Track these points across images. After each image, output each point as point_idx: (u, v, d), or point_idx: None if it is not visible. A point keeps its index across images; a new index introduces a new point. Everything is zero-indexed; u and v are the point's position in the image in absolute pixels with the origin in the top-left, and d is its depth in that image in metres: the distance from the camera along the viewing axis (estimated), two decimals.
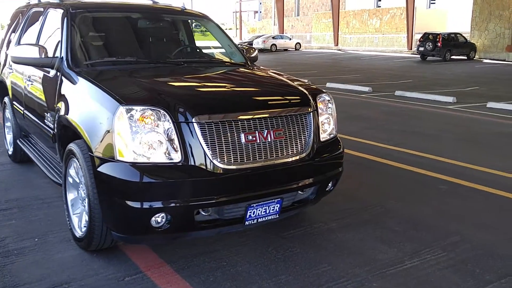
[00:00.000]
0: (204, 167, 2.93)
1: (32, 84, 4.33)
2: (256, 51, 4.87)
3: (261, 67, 4.38)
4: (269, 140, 3.16)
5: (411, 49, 33.75)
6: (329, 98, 3.75)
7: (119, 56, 3.94)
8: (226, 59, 4.58)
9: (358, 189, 4.86)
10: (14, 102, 4.99)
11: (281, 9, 43.08)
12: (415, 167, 5.66)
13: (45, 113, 3.90)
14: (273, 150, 3.17)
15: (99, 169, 2.95)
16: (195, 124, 2.93)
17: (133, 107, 2.89)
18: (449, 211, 4.33)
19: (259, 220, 3.22)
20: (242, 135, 3.05)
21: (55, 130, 3.63)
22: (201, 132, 2.93)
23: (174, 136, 2.90)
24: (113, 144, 2.88)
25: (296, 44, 40.68)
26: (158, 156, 2.88)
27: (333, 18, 40.31)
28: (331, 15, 41.11)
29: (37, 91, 4.19)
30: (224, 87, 3.66)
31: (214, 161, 2.94)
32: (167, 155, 2.89)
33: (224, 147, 2.98)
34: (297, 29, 51.31)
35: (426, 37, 26.74)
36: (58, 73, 3.70)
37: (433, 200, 4.60)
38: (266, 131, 3.14)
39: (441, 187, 5.00)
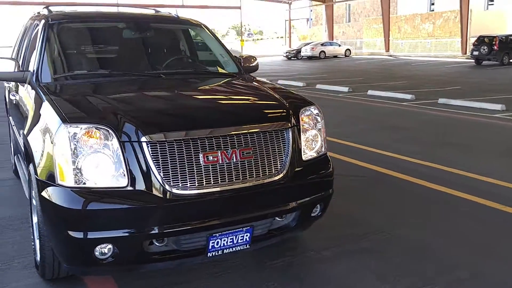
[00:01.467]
0: (153, 193, 2.60)
1: (14, 99, 4.19)
2: (257, 61, 4.49)
3: (255, 78, 4.01)
4: (235, 160, 2.78)
5: (466, 53, 32.16)
6: (316, 112, 3.32)
7: (93, 69, 3.70)
8: (215, 70, 4.24)
9: (368, 211, 4.37)
10: (10, 117, 4.90)
11: (331, 16, 42.43)
12: (439, 184, 5.08)
13: (20, 131, 3.72)
14: (240, 172, 2.79)
15: (42, 193, 2.68)
16: (144, 144, 2.60)
17: (77, 125, 2.61)
18: (465, 238, 3.76)
19: (225, 251, 2.85)
20: (201, 156, 2.69)
21: (22, 150, 3.43)
22: (152, 153, 2.60)
23: (121, 158, 2.59)
24: (54, 166, 2.61)
25: (346, 50, 39.82)
26: (102, 180, 2.58)
27: (383, 24, 39.19)
28: (382, 20, 39.97)
29: (16, 106, 4.04)
30: (191, 101, 3.33)
31: (165, 186, 2.60)
32: (112, 179, 2.58)
33: (178, 170, 2.64)
34: (348, 35, 50.35)
35: (481, 40, 25.25)
36: (29, 88, 3.50)
37: (450, 224, 4.04)
38: (231, 150, 2.77)
39: (463, 209, 4.41)
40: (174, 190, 2.61)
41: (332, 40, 42.15)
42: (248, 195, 2.83)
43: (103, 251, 2.59)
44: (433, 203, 4.57)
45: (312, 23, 61.24)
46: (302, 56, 38.77)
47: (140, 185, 2.59)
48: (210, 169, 2.71)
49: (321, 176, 3.24)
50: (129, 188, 2.58)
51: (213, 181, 2.71)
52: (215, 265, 3.30)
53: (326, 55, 38.36)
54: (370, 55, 40.48)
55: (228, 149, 2.76)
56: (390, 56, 37.58)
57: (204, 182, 2.69)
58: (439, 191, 4.90)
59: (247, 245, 2.91)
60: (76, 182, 2.56)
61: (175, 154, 2.64)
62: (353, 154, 6.51)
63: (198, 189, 2.67)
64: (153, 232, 2.61)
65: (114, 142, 2.59)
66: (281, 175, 2.93)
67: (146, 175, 2.59)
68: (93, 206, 2.54)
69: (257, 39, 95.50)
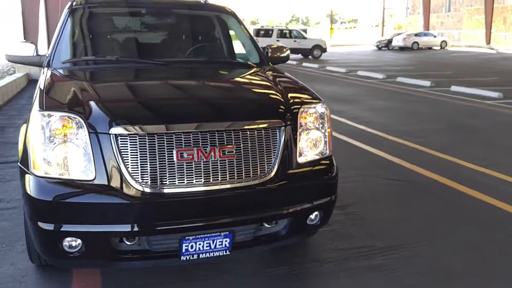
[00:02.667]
0: (119, 189, 2.45)
1: None
2: (288, 51, 4.20)
3: (275, 70, 3.71)
4: (214, 159, 2.55)
5: None
6: (322, 110, 2.99)
7: (102, 55, 3.63)
8: (232, 59, 4.01)
9: (397, 223, 3.93)
10: None
11: (428, 5, 40.09)
12: (501, 200, 4.45)
13: None
14: (219, 172, 2.56)
15: (21, 180, 2.65)
16: (112, 137, 2.46)
17: (51, 113, 2.53)
18: (498, 264, 3.24)
19: (201, 255, 2.64)
20: (175, 152, 2.49)
21: None
22: (120, 147, 2.45)
23: (90, 150, 2.47)
24: (29, 153, 2.56)
25: (441, 42, 37.48)
26: (70, 171, 2.48)
27: (485, 14, 36.28)
28: (484, 10, 37.01)
29: None
30: (177, 94, 3.13)
31: (132, 182, 2.45)
32: (80, 171, 2.48)
33: (148, 166, 2.47)
34: (447, 25, 47.33)
35: None
36: (41, 73, 3.51)
37: (486, 246, 3.50)
38: (209, 148, 2.54)
39: (511, 228, 3.83)
40: (142, 188, 2.45)
41: (428, 30, 39.83)
42: (227, 197, 2.59)
43: (71, 244, 2.51)
44: (478, 219, 4.01)
45: (409, 12, 58.39)
46: (394, 47, 37.13)
47: (107, 180, 2.46)
48: (184, 167, 2.51)
49: (320, 181, 2.92)
50: (96, 182, 2.46)
51: (186, 180, 2.51)
52: (208, 268, 3.11)
53: (420, 46, 36.37)
54: (468, 47, 37.72)
55: (206, 147, 2.54)
56: (491, 49, 34.75)
57: (177, 181, 2.50)
58: (490, 205, 4.31)
59: (227, 251, 2.68)
60: (45, 172, 2.49)
61: (145, 149, 2.47)
62: (405, 155, 5.98)
63: (169, 188, 2.49)
64: (118, 229, 2.48)
65: (85, 133, 2.48)
66: (268, 177, 2.66)
67: (113, 170, 2.45)
68: (58, 198, 2.46)
69: (351, 28, 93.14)
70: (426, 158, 5.91)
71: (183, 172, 2.51)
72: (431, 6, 45.47)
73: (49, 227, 2.47)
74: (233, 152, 2.59)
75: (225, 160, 2.57)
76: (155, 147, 2.48)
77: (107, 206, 2.46)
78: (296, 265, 3.20)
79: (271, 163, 2.68)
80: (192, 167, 2.52)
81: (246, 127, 2.64)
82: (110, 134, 2.46)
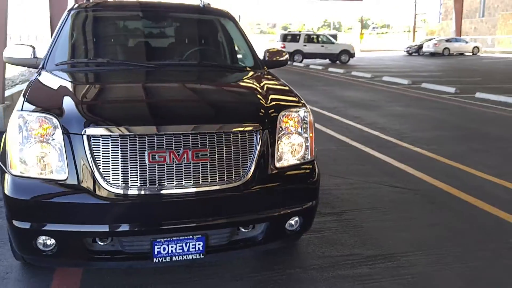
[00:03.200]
0: (90, 189, 2.47)
1: None
2: (286, 55, 4.17)
3: (268, 73, 3.69)
4: (186, 162, 2.54)
5: None
6: (304, 115, 2.95)
7: (93, 57, 3.68)
8: (225, 63, 4.00)
9: (395, 233, 3.82)
10: None
11: (460, 10, 39.20)
12: (499, 208, 4.31)
13: None
14: (191, 175, 2.55)
15: (0, 178, 2.70)
16: (85, 137, 2.48)
17: (29, 114, 2.58)
18: (489, 280, 3.11)
19: (174, 258, 2.63)
20: (146, 154, 2.50)
21: None
22: (91, 147, 2.48)
23: (64, 150, 2.50)
24: (6, 152, 2.61)
25: (473, 48, 36.63)
26: (43, 171, 2.52)
27: None
28: None
29: None
30: (155, 96, 3.13)
31: (103, 184, 2.46)
32: (53, 171, 2.51)
33: (120, 168, 2.48)
34: (480, 31, 46.25)
35: None
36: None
37: (480, 260, 3.37)
38: (182, 150, 2.54)
39: None
40: (112, 189, 2.46)
41: (460, 35, 38.96)
42: (200, 200, 2.58)
43: (45, 243, 2.54)
44: (484, 237, 3.84)
45: (441, 17, 57.32)
46: (424, 52, 36.50)
47: (78, 181, 2.48)
48: (156, 169, 2.51)
49: (299, 186, 2.88)
50: (68, 182, 2.49)
51: (158, 182, 2.51)
52: (191, 271, 3.10)
53: (451, 52, 35.64)
54: (502, 53, 36.75)
55: (179, 149, 2.53)
56: None
57: (148, 183, 2.50)
58: (501, 220, 4.13)
59: (201, 254, 2.67)
60: (21, 171, 2.53)
61: (117, 151, 2.48)
62: (414, 162, 5.84)
63: (140, 190, 2.49)
64: (87, 230, 2.50)
65: (59, 133, 2.51)
66: (242, 181, 2.63)
67: (85, 171, 2.47)
68: (31, 197, 2.50)
69: (383, 33, 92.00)
70: (436, 166, 5.76)
71: (155, 174, 2.51)
72: (464, 11, 44.48)
73: (23, 225, 2.51)
74: (206, 155, 2.57)
75: (198, 163, 2.56)
76: (126, 149, 2.49)
77: (77, 206, 2.48)
78: (279, 271, 3.15)
79: (246, 166, 2.66)
80: (164, 170, 2.52)
81: (220, 130, 2.62)
82: (82, 135, 2.48)
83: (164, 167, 2.52)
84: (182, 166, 2.54)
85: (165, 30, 4.16)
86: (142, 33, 4.13)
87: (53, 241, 2.53)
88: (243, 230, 2.79)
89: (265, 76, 3.58)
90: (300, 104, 3.00)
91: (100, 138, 2.48)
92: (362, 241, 3.61)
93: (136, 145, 2.49)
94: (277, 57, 4.13)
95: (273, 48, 4.23)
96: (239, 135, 2.66)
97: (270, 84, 3.32)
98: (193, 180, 2.55)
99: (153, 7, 4.15)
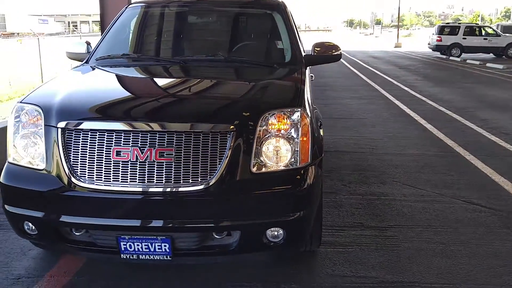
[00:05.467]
0: (61, 181, 2.56)
1: None
2: (339, 51, 3.83)
3: (291, 71, 3.44)
4: (150, 160, 2.49)
5: None
6: (296, 118, 2.65)
7: (126, 53, 3.80)
8: (257, 59, 3.78)
9: (429, 257, 3.28)
10: None
11: None
12: None
13: None
14: (154, 175, 2.49)
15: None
16: (59, 130, 2.58)
17: (24, 105, 2.78)
18: None
19: (141, 257, 2.60)
20: (112, 150, 2.51)
21: None
22: (63, 140, 2.56)
23: (43, 141, 2.64)
24: (6, 141, 2.84)
25: None
26: (28, 159, 2.68)
27: None
28: None
29: None
30: (139, 92, 3.09)
31: (71, 176, 2.53)
32: (35, 160, 2.66)
33: (87, 162, 2.52)
34: None
35: None
36: None
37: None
38: (146, 148, 2.49)
39: None
40: (79, 182, 2.52)
41: None
42: (162, 201, 2.50)
43: (31, 227, 2.71)
44: None
45: None
46: None
47: (53, 171, 2.59)
48: (120, 166, 2.50)
49: (280, 195, 2.60)
50: (44, 172, 2.61)
51: (121, 179, 2.50)
52: (176, 271, 3.05)
53: None
54: None
55: (144, 147, 2.49)
56: None
57: (112, 179, 2.50)
58: None
59: (168, 256, 2.59)
60: (13, 158, 2.74)
61: (85, 145, 2.53)
62: None
63: (104, 185, 2.51)
64: (59, 219, 2.60)
65: (42, 125, 2.66)
66: (207, 185, 2.48)
67: (58, 162, 2.57)
68: (15, 183, 2.67)
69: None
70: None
71: (119, 171, 2.50)
72: None
73: (12, 210, 2.70)
74: (172, 154, 2.48)
75: (163, 162, 2.48)
76: (94, 143, 2.52)
77: (49, 196, 2.59)
78: (271, 284, 2.92)
79: (215, 170, 2.49)
80: (127, 167, 2.49)
81: (188, 129, 2.50)
82: (57, 128, 2.58)
83: (127, 164, 2.49)
84: (145, 165, 2.48)
85: (204, 25, 4.13)
86: (180, 28, 4.15)
87: (34, 226, 2.69)
88: (216, 236, 2.64)
89: (285, 73, 3.34)
90: (292, 107, 2.71)
91: (73, 132, 2.55)
92: (387, 263, 3.16)
93: (103, 140, 2.51)
94: (329, 52, 3.81)
95: (326, 43, 3.92)
96: (210, 135, 2.50)
97: (276, 83, 3.09)
98: (156, 180, 2.48)
99: (195, 3, 4.15)
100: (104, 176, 2.50)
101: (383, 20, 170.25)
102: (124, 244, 2.57)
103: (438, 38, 26.34)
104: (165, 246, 2.56)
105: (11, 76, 18.40)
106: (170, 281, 2.95)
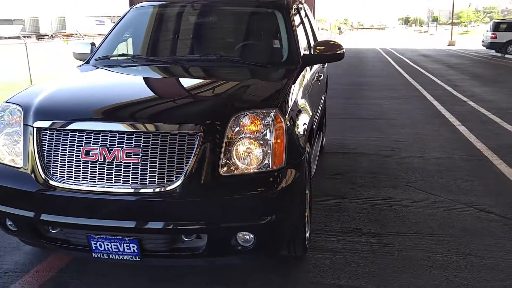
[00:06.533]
0: (35, 179, 2.61)
1: None
2: (341, 50, 3.71)
3: (286, 71, 3.38)
4: (117, 161, 2.49)
5: None
6: (269, 120, 2.57)
7: (122, 54, 3.83)
8: (251, 58, 3.71)
9: (423, 268, 3.12)
10: None
11: None
12: None
13: None
14: (121, 175, 2.49)
15: None
16: (34, 129, 2.64)
17: (7, 104, 2.86)
18: None
19: (111, 256, 2.62)
20: (81, 150, 2.53)
21: None
22: (37, 139, 2.62)
23: (21, 138, 2.71)
24: None
25: None
26: (11, 157, 2.75)
27: None
28: None
29: None
30: (113, 92, 3.09)
31: (43, 174, 2.58)
32: (15, 158, 2.73)
33: (59, 161, 2.56)
34: None
35: None
36: None
37: None
38: (114, 149, 2.49)
39: None
40: (51, 181, 2.56)
41: None
42: (128, 202, 2.50)
43: (11, 223, 2.79)
44: None
45: None
46: None
47: (28, 169, 2.64)
48: (89, 166, 2.52)
49: (250, 198, 2.53)
50: (22, 170, 2.67)
51: (90, 179, 2.52)
52: (158, 272, 3.05)
53: None
54: None
55: (112, 147, 2.49)
56: None
57: (81, 179, 2.53)
58: None
59: (136, 257, 2.59)
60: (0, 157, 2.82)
61: (58, 144, 2.57)
62: None
63: (74, 185, 2.54)
64: (33, 217, 2.65)
65: (21, 123, 2.72)
66: (173, 187, 2.45)
67: (32, 161, 2.62)
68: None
69: None
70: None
71: (87, 171, 2.52)
72: None
73: None
74: (139, 155, 2.47)
75: (130, 163, 2.48)
76: (66, 143, 2.56)
77: (23, 193, 2.65)
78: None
79: (181, 171, 2.46)
80: (96, 166, 2.51)
81: (155, 130, 2.48)
82: (33, 127, 2.64)
83: (96, 164, 2.51)
84: (113, 165, 2.49)
85: (202, 24, 4.08)
86: (178, 29, 4.14)
87: (14, 223, 2.76)
88: (186, 239, 2.61)
89: (275, 73, 3.28)
90: (268, 107, 2.64)
91: (48, 131, 2.61)
92: (374, 272, 3.02)
93: (74, 140, 2.54)
94: (332, 51, 3.70)
95: (330, 41, 3.81)
96: (177, 136, 2.48)
97: (258, 83, 3.03)
98: (123, 180, 2.48)
99: (194, 3, 4.14)
100: (74, 175, 2.53)
101: (440, 17, 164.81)
102: (94, 243, 2.59)
103: (493, 35, 25.15)
104: (133, 247, 2.56)
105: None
106: (151, 281, 2.95)
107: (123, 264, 3.05)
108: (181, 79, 3.41)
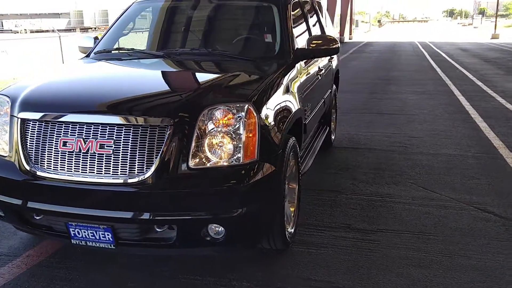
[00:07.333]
0: (19, 168, 2.73)
1: None
2: (336, 45, 3.69)
3: (265, 66, 3.41)
4: (91, 151, 2.57)
5: None
6: (241, 114, 2.59)
7: (119, 47, 3.92)
8: (241, 52, 3.72)
9: (406, 266, 3.07)
10: None
11: None
12: None
13: None
14: (95, 166, 2.57)
15: None
16: (19, 120, 2.76)
17: (1, 96, 2.99)
18: None
19: (89, 243, 2.71)
20: (60, 141, 2.63)
21: None
22: (21, 129, 2.73)
23: (8, 128, 2.83)
24: None
25: None
26: (1, 147, 2.88)
27: None
28: None
29: None
30: (94, 85, 3.16)
31: (25, 163, 2.69)
32: (4, 146, 2.85)
33: (40, 151, 2.67)
34: None
35: None
36: None
37: None
38: (89, 140, 2.58)
39: None
40: (32, 169, 2.67)
41: None
42: (102, 192, 2.58)
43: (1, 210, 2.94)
44: None
45: None
46: None
47: (13, 158, 2.76)
48: (66, 156, 2.61)
49: (219, 191, 2.56)
50: (7, 158, 2.80)
51: (66, 168, 2.61)
52: (130, 257, 3.13)
53: None
54: None
55: (87, 138, 2.58)
56: None
57: (59, 168, 2.63)
58: None
59: (111, 245, 2.67)
60: None
61: (39, 134, 2.68)
62: None
63: (53, 174, 2.64)
64: (18, 204, 2.76)
65: (9, 114, 2.85)
66: (143, 178, 2.51)
67: (16, 150, 2.74)
68: None
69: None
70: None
71: (65, 160, 2.61)
72: None
73: None
74: (111, 146, 2.55)
75: (103, 154, 2.56)
76: (46, 133, 2.66)
77: (8, 182, 2.77)
78: (224, 280, 2.90)
79: (151, 163, 2.52)
80: (72, 157, 2.60)
81: (126, 122, 2.55)
82: (17, 117, 2.76)
83: (72, 155, 2.60)
84: (88, 155, 2.57)
85: (197, 18, 4.12)
86: (173, 22, 4.19)
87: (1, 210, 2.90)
88: (158, 229, 2.67)
89: (260, 67, 3.31)
90: (241, 101, 2.66)
91: (31, 122, 2.72)
92: (353, 269, 3.00)
93: (54, 131, 2.64)
94: (327, 46, 3.68)
95: (327, 36, 3.81)
96: (148, 129, 2.53)
97: (238, 77, 3.04)
98: (96, 170, 2.56)
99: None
100: (53, 165, 2.63)
101: (487, 9, 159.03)
102: (73, 230, 2.69)
103: None
104: (108, 235, 2.64)
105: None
106: (133, 269, 3.03)
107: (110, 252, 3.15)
108: (163, 72, 3.46)
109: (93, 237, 2.67)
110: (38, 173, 2.65)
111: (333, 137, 5.88)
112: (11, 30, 55.78)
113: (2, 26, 60.11)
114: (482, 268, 3.01)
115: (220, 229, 2.61)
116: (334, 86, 5.77)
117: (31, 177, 2.67)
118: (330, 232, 3.51)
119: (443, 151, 5.64)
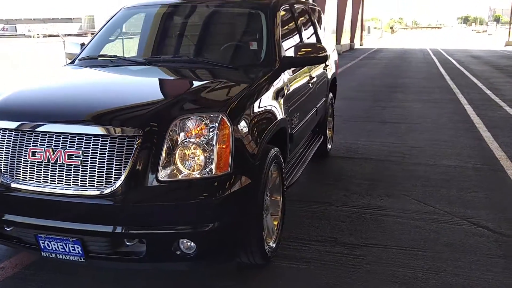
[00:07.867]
0: None
1: None
2: (325, 53, 3.60)
3: (251, 73, 3.33)
4: (60, 162, 2.51)
5: None
6: (214, 125, 2.51)
7: (102, 54, 3.86)
8: (224, 59, 3.65)
9: (388, 283, 2.96)
10: None
11: None
12: None
13: None
14: (63, 177, 2.50)
15: None
16: None
17: None
18: None
19: (59, 256, 2.63)
20: (29, 150, 2.57)
21: None
22: None
23: None
24: None
25: None
26: None
27: None
28: None
29: None
30: (69, 93, 3.11)
31: None
32: None
33: (9, 160, 2.62)
34: None
35: None
36: None
37: None
38: (57, 150, 2.51)
39: None
40: (5, 182, 2.61)
41: None
42: (68, 204, 2.51)
43: None
44: None
45: None
46: None
47: None
48: (35, 166, 2.55)
49: (190, 204, 2.48)
50: None
51: (35, 179, 2.55)
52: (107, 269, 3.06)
53: None
54: None
55: (56, 148, 2.52)
56: None
57: (28, 179, 2.57)
58: None
59: (81, 258, 2.60)
60: None
61: (9, 143, 2.62)
62: None
63: (22, 184, 2.58)
64: None
65: None
66: (112, 189, 2.44)
67: None
68: None
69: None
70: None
71: (34, 171, 2.55)
72: None
73: None
74: (80, 157, 2.48)
75: (71, 165, 2.49)
76: (16, 143, 2.60)
77: None
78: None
79: (119, 174, 2.44)
80: (41, 167, 2.54)
81: (94, 132, 2.48)
82: None
83: (41, 165, 2.54)
84: (56, 166, 2.51)
85: (184, 25, 4.07)
86: (162, 28, 4.13)
87: None
88: (128, 243, 2.58)
89: (240, 75, 3.23)
90: (214, 111, 2.57)
91: (6, 131, 2.65)
92: (334, 286, 2.89)
93: (24, 140, 2.58)
94: (313, 54, 3.59)
95: (315, 44, 3.74)
96: (117, 139, 2.46)
97: (213, 86, 2.97)
98: (65, 182, 2.50)
99: (178, 4, 4.14)
100: (22, 175, 2.57)
101: (503, 16, 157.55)
102: (42, 243, 2.62)
103: None
104: (77, 247, 2.57)
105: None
106: (109, 281, 2.96)
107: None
108: (140, 81, 3.40)
109: (63, 250, 2.60)
110: (9, 183, 2.59)
111: (329, 146, 5.76)
112: (24, 34, 56.59)
113: (16, 30, 60.99)
114: (469, 286, 2.88)
115: (191, 244, 2.53)
116: (331, 94, 5.66)
117: (4, 189, 2.61)
118: (315, 246, 3.40)
119: (442, 162, 5.50)
